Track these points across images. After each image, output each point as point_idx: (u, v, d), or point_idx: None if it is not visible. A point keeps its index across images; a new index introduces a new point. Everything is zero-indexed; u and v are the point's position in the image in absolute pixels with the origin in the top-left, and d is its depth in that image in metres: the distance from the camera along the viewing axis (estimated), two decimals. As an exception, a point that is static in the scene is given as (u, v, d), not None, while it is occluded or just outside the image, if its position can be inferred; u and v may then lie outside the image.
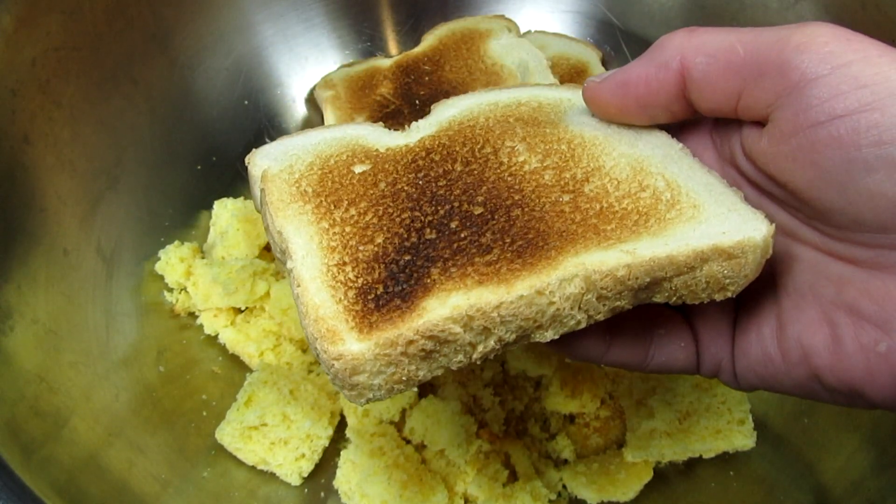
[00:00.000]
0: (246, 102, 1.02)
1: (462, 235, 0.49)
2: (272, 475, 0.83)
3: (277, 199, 0.54)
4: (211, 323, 0.91)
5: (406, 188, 0.53)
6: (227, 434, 0.80)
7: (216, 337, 0.92)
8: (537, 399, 0.87)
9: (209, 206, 0.97)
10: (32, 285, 0.75)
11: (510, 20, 1.03)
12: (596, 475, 0.82)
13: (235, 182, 1.02)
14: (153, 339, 0.87)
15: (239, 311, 0.92)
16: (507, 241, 0.48)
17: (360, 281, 0.48)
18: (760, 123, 0.45)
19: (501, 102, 0.60)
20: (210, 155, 0.99)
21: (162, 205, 0.93)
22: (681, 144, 0.53)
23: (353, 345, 0.44)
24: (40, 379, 0.71)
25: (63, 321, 0.77)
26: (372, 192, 0.53)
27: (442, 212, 0.51)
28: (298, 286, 0.48)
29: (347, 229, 0.51)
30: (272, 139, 1.06)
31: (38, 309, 0.74)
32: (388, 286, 0.47)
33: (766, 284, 0.48)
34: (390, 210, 0.52)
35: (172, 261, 0.90)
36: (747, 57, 0.43)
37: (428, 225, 0.51)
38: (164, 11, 0.91)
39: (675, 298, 0.47)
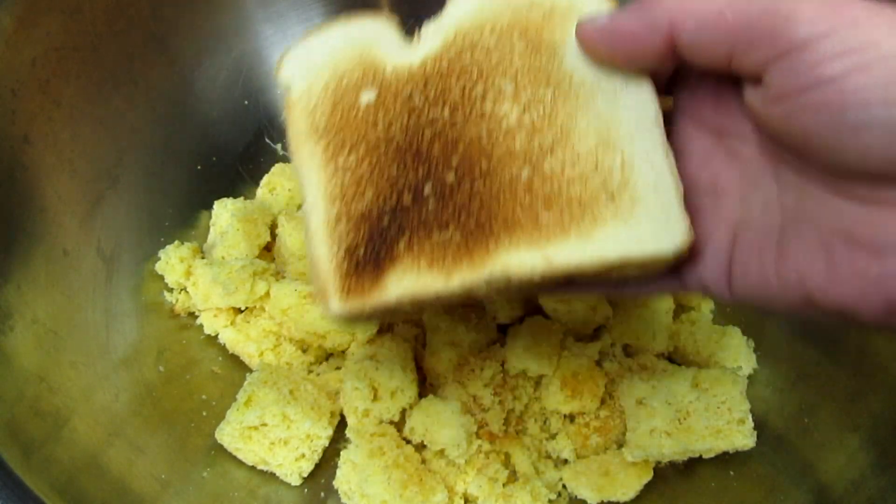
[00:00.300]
0: (246, 102, 1.02)
1: (430, 205, 0.53)
2: (272, 475, 0.82)
3: (295, 133, 0.59)
4: (211, 323, 0.91)
5: (398, 135, 0.56)
6: (227, 434, 0.80)
7: (216, 337, 0.92)
8: (537, 399, 0.87)
9: (209, 206, 0.97)
10: (32, 285, 0.75)
11: None
12: (596, 475, 0.82)
13: (235, 182, 1.02)
14: (153, 339, 0.87)
15: (239, 311, 0.92)
16: (463, 218, 0.52)
17: (350, 238, 0.54)
18: (756, 79, 0.46)
19: (513, 1, 0.59)
20: (210, 155, 0.99)
21: (162, 205, 0.93)
22: (657, 109, 0.53)
23: (334, 305, 0.53)
24: (40, 379, 0.71)
25: (63, 321, 0.77)
26: (371, 134, 0.57)
27: (421, 172, 0.54)
28: (307, 234, 0.56)
29: (347, 179, 0.56)
30: (272, 139, 1.06)
31: (38, 309, 0.74)
32: (367, 249, 0.53)
33: (773, 216, 0.49)
34: (381, 161, 0.56)
35: (172, 261, 0.90)
36: (736, 24, 0.44)
37: (406, 187, 0.54)
38: (164, 11, 0.91)
39: (589, 279, 0.52)
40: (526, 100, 0.55)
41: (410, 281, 0.51)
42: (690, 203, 0.50)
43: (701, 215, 0.51)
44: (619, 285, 0.55)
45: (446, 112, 0.56)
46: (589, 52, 0.54)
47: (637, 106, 0.53)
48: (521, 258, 0.50)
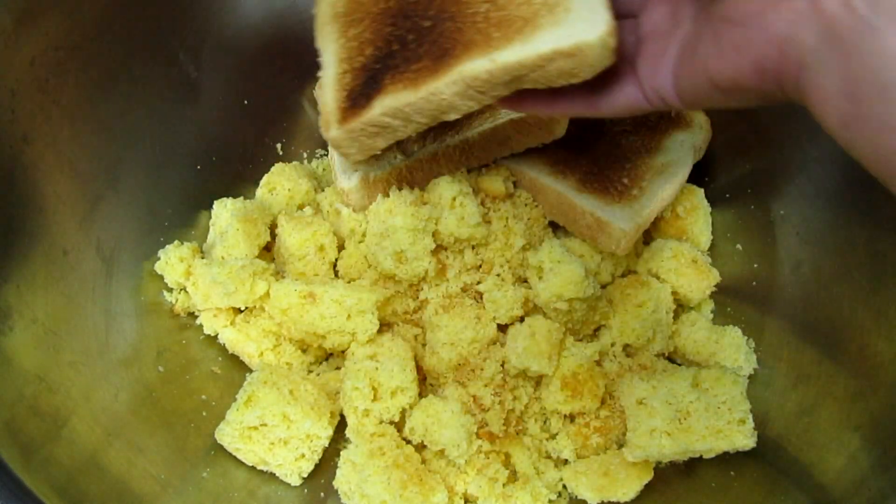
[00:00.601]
0: (246, 102, 1.02)
1: (410, 47, 0.67)
2: (272, 475, 0.82)
3: (320, 20, 0.75)
4: (211, 323, 0.91)
5: (393, 5, 0.70)
6: (227, 434, 0.80)
7: (216, 337, 0.92)
8: (537, 399, 0.87)
9: (209, 206, 0.96)
10: (32, 285, 0.74)
11: None
12: (596, 475, 0.82)
13: (235, 182, 1.02)
14: (153, 339, 0.87)
15: (239, 311, 0.92)
16: (434, 50, 0.65)
17: (352, 85, 0.69)
18: None
19: None
20: (210, 155, 0.99)
21: (162, 205, 0.93)
22: None
23: (334, 131, 0.70)
24: (40, 379, 0.71)
25: (63, 321, 0.77)
26: (374, 9, 0.71)
27: (407, 25, 0.67)
28: (320, 89, 0.72)
29: (353, 45, 0.70)
30: (272, 139, 1.06)
31: (38, 309, 0.74)
32: (363, 88, 0.68)
33: (707, 23, 0.55)
34: (379, 26, 0.69)
35: (172, 261, 0.90)
36: None
37: (397, 39, 0.68)
38: (164, 11, 0.91)
39: (539, 84, 0.62)
40: None
41: (390, 100, 0.66)
42: (655, 32, 0.60)
43: (658, 39, 0.60)
44: (590, 102, 0.63)
45: None
46: None
47: None
48: (474, 65, 0.62)
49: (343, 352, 0.88)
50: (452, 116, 0.67)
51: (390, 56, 0.67)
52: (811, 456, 0.77)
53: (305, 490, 0.83)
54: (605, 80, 0.61)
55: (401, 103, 0.65)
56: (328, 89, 0.71)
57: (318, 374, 0.91)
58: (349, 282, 0.92)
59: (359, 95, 0.68)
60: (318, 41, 0.74)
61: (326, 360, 0.94)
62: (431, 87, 0.64)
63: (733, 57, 0.51)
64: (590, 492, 0.82)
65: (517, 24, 0.61)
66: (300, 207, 0.99)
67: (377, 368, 0.82)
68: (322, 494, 0.83)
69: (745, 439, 0.77)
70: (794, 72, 0.48)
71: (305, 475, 0.83)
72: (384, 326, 0.89)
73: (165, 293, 0.92)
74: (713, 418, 0.78)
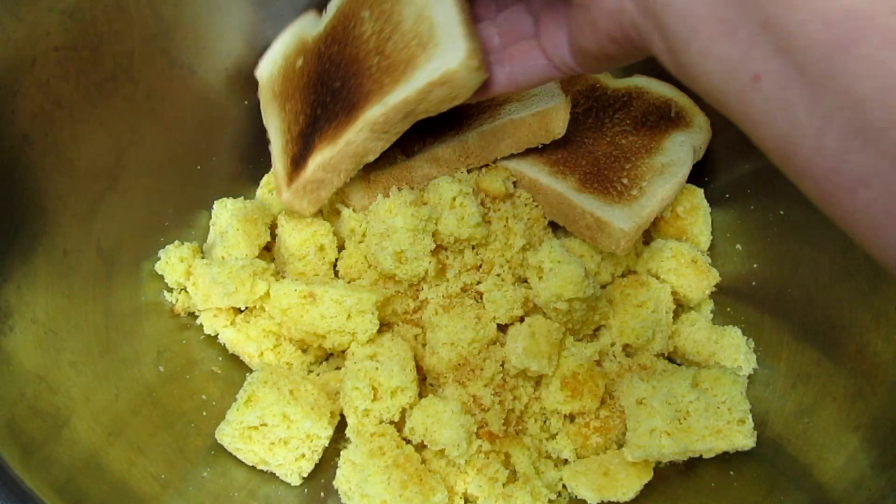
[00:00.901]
0: (246, 102, 1.02)
1: (329, 108, 0.78)
2: (272, 475, 0.83)
3: (264, 103, 0.90)
4: (211, 323, 0.91)
5: (313, 76, 0.82)
6: (227, 434, 0.80)
7: (216, 337, 0.92)
8: (537, 399, 0.87)
9: (209, 206, 0.97)
10: (32, 285, 0.75)
11: None
12: (596, 475, 0.82)
13: (235, 182, 1.02)
14: (153, 339, 0.87)
15: (239, 311, 0.92)
16: (345, 106, 0.76)
17: (293, 151, 0.82)
18: None
19: None
20: (210, 155, 0.99)
21: (162, 205, 0.93)
22: None
23: (285, 195, 0.84)
24: (40, 379, 0.71)
25: (63, 321, 0.77)
26: (301, 83, 0.84)
27: (324, 90, 0.79)
28: (273, 162, 0.86)
29: (290, 117, 0.84)
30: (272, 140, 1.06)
31: (38, 309, 0.74)
32: (301, 152, 0.81)
33: (570, 5, 0.60)
34: (306, 95, 0.82)
35: (172, 261, 0.90)
36: None
37: (319, 104, 0.80)
38: (164, 11, 0.91)
39: (430, 113, 0.72)
40: (376, 15, 0.76)
41: (319, 158, 0.78)
42: (545, 9, 0.66)
43: (549, 15, 0.66)
44: (507, 79, 0.70)
45: (336, 48, 0.80)
46: None
47: None
48: (374, 110, 0.72)
49: (343, 352, 0.89)
50: (371, 158, 0.78)
51: (316, 120, 0.79)
52: (810, 456, 0.77)
53: (305, 490, 0.83)
54: (515, 57, 0.69)
55: (326, 158, 0.77)
56: (277, 160, 0.84)
57: (318, 374, 0.91)
58: (349, 282, 0.92)
59: (299, 159, 0.80)
60: (265, 121, 0.87)
61: (326, 360, 0.94)
62: (345, 138, 0.75)
63: (590, 33, 0.58)
64: (590, 492, 0.82)
65: (401, 68, 0.71)
66: (300, 207, 0.99)
67: (377, 368, 0.82)
68: (322, 494, 0.83)
69: (744, 439, 0.77)
70: (635, 35, 0.53)
71: (305, 475, 0.83)
72: (384, 326, 0.89)
73: (165, 293, 0.92)
74: (713, 418, 0.78)
